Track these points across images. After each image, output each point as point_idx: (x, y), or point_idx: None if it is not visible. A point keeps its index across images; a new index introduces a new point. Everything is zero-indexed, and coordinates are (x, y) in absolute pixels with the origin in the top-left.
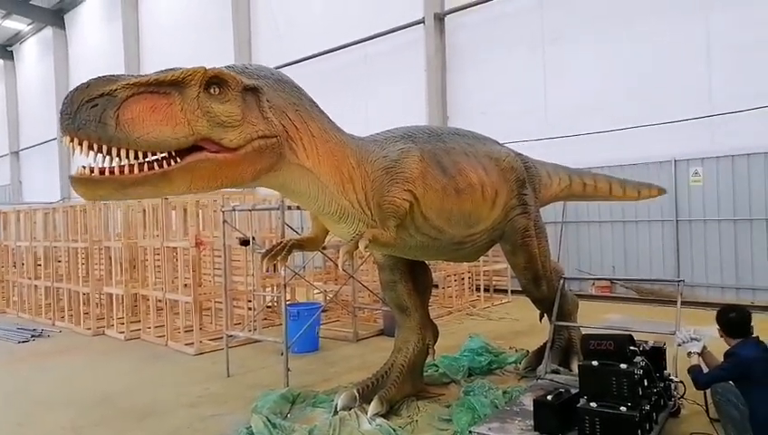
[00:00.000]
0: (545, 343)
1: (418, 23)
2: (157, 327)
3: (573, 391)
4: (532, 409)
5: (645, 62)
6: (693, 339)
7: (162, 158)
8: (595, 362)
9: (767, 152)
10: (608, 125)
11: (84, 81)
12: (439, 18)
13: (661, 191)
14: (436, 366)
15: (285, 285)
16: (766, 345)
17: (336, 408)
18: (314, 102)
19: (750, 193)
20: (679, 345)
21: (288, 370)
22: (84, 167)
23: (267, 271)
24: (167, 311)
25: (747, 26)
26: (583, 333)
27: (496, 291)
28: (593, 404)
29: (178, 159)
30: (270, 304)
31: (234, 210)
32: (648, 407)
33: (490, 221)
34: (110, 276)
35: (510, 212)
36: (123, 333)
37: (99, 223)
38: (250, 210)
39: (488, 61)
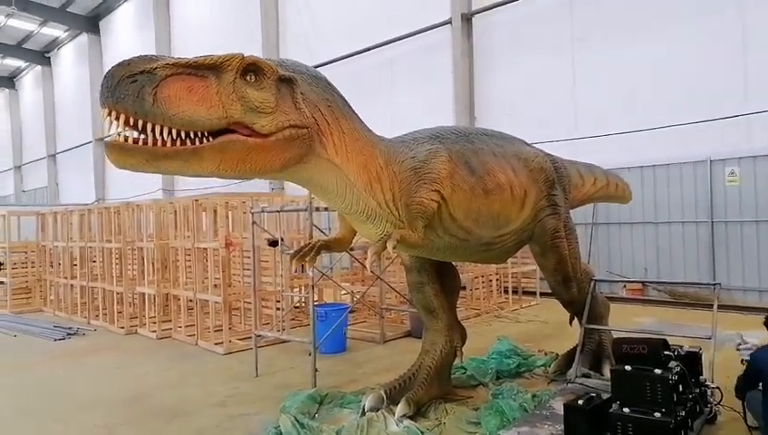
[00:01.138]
0: (575, 347)
1: (446, 23)
2: (187, 326)
3: (605, 395)
4: (562, 413)
5: (677, 61)
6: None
7: (195, 136)
8: (628, 367)
9: None
10: (639, 125)
11: (130, 58)
12: (467, 19)
13: None
14: (464, 368)
15: (313, 286)
16: None
17: (363, 409)
18: (347, 102)
19: None
20: (738, 350)
21: (316, 370)
22: (119, 134)
23: (295, 271)
24: (197, 311)
25: None
26: (615, 336)
27: (525, 293)
28: (626, 410)
29: (211, 139)
30: (298, 305)
31: (263, 211)
32: (683, 413)
33: (519, 222)
34: (142, 276)
35: (539, 213)
36: (155, 332)
37: (132, 224)
38: (278, 211)
39: (516, 61)
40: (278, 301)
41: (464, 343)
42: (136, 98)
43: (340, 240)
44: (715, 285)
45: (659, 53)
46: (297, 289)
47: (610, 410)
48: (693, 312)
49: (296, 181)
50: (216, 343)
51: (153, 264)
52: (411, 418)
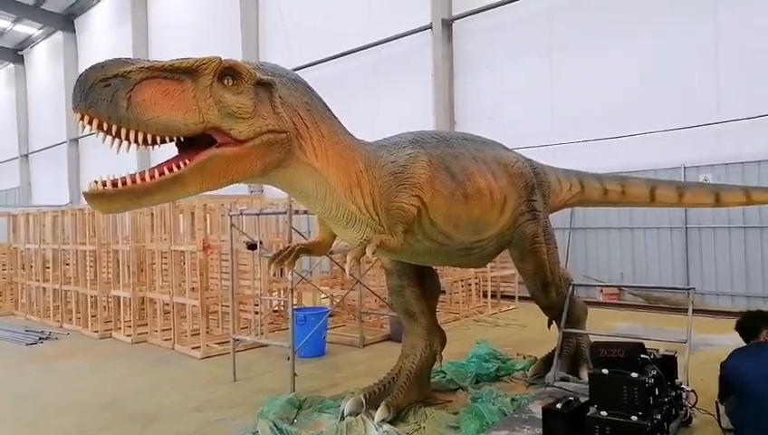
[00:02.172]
0: (553, 351)
1: (426, 28)
2: (163, 330)
3: (583, 399)
4: (540, 417)
5: (652, 69)
6: None
7: (172, 160)
8: (605, 371)
9: None
10: (616, 131)
11: (103, 61)
12: (447, 24)
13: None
14: (444, 372)
15: (293, 290)
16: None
17: (343, 413)
18: (326, 105)
19: None
20: None
21: (294, 374)
22: (96, 181)
23: (274, 275)
24: (174, 314)
25: (756, 31)
26: (593, 340)
27: (503, 297)
28: (603, 413)
29: (187, 162)
30: (277, 309)
31: (241, 214)
32: (659, 416)
33: (498, 227)
34: (117, 280)
35: (519, 218)
36: (130, 336)
37: (107, 226)
38: (257, 214)
39: (495, 66)
40: (256, 305)
41: (443, 347)
42: (110, 103)
43: (319, 244)
44: (689, 289)
45: (634, 60)
46: (275, 293)
47: (588, 414)
48: (668, 316)
49: (277, 185)
50: (193, 348)
51: (129, 267)
52: (390, 422)
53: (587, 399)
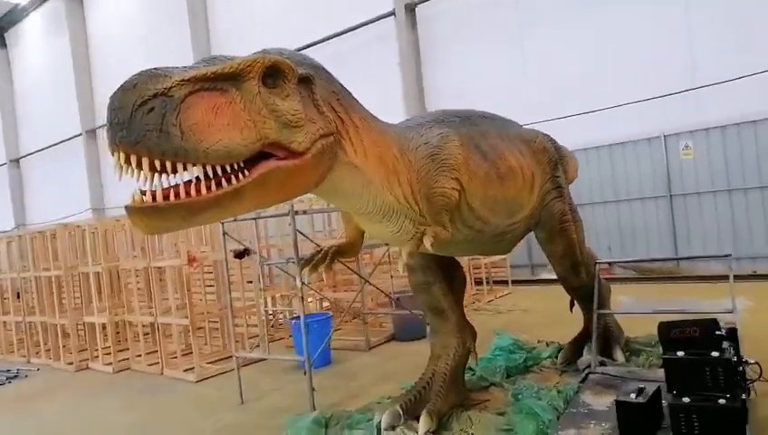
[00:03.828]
0: (579, 335)
1: (389, 15)
2: (147, 354)
3: (647, 385)
4: (601, 409)
5: (625, 40)
6: None
7: (231, 171)
8: (681, 353)
9: (756, 120)
10: (591, 105)
11: (129, 78)
12: (410, 9)
13: None
14: (472, 369)
15: (303, 297)
16: None
17: (379, 428)
18: (346, 89)
19: (743, 163)
20: None
21: (312, 389)
22: (144, 192)
23: (303, 283)
24: (159, 336)
25: None
26: (660, 320)
27: (495, 283)
28: (686, 399)
29: (246, 172)
30: (280, 321)
31: (236, 220)
32: (743, 396)
33: (529, 208)
34: (89, 304)
35: (545, 196)
36: (110, 364)
37: (71, 247)
38: (255, 219)
39: (464, 50)
40: (250, 317)
41: (475, 342)
42: (160, 133)
43: (351, 245)
44: (727, 256)
45: (605, 32)
46: (269, 300)
47: (670, 402)
48: (662, 286)
49: (321, 194)
50: (185, 370)
51: (101, 289)
52: (434, 432)
53: (657, 384)
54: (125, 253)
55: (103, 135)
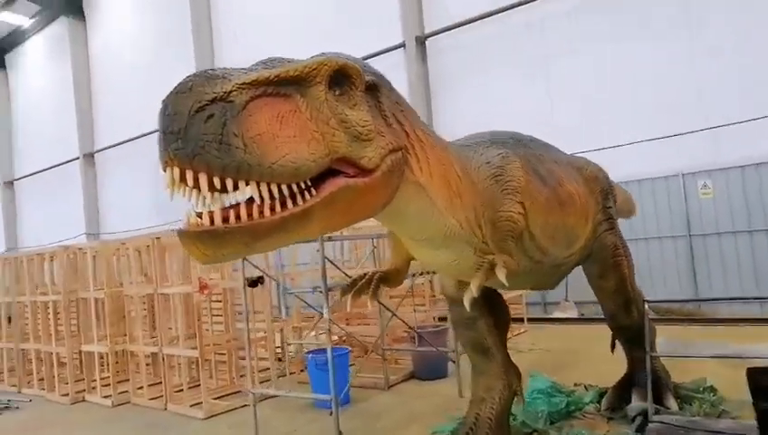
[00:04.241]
0: (623, 378)
1: (399, 47)
2: (150, 386)
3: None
4: None
5: (644, 76)
6: None
7: (297, 190)
8: None
9: None
10: (610, 141)
11: (183, 80)
12: (421, 42)
13: None
14: (513, 414)
15: (330, 329)
16: None
17: None
18: (405, 99)
19: (763, 203)
20: None
21: (340, 432)
22: (200, 214)
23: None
24: (164, 368)
25: (751, 34)
26: (748, 366)
27: (512, 320)
28: None
29: (313, 191)
30: (281, 353)
31: None
32: None
33: (584, 238)
34: (88, 332)
35: (597, 228)
36: (109, 397)
37: (72, 272)
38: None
39: (477, 82)
40: (260, 349)
41: (520, 384)
42: (220, 145)
43: (397, 272)
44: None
45: (624, 69)
46: (278, 333)
47: None
48: (686, 328)
49: (382, 218)
50: (191, 405)
51: (103, 316)
52: None
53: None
54: (128, 278)
55: (102, 158)
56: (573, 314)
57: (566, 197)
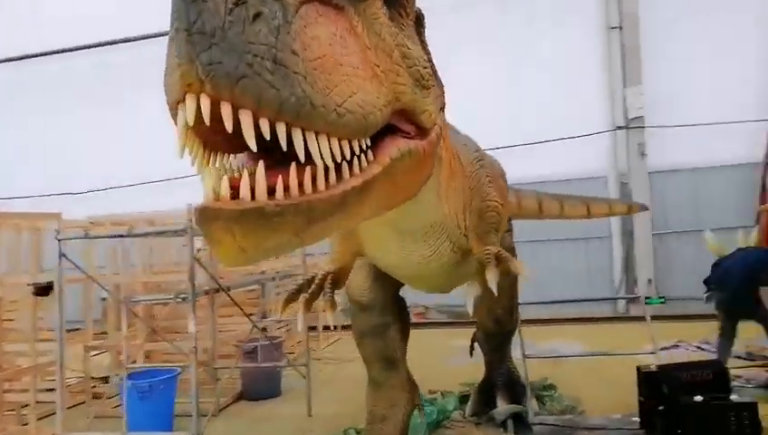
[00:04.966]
0: (482, 382)
1: None
2: None
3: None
4: None
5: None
6: None
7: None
8: (699, 397)
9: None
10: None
11: None
12: None
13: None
14: None
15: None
16: None
17: None
18: None
19: None
20: None
21: None
22: (233, 181)
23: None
24: None
25: None
26: (658, 364)
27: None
28: None
29: (370, 154)
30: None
31: (87, 237)
32: None
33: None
34: None
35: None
36: None
37: None
38: (122, 236)
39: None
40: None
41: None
42: (275, 65)
43: (345, 271)
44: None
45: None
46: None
47: None
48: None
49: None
50: None
51: None
52: None
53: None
54: None
55: None
56: None
57: (504, 191)
